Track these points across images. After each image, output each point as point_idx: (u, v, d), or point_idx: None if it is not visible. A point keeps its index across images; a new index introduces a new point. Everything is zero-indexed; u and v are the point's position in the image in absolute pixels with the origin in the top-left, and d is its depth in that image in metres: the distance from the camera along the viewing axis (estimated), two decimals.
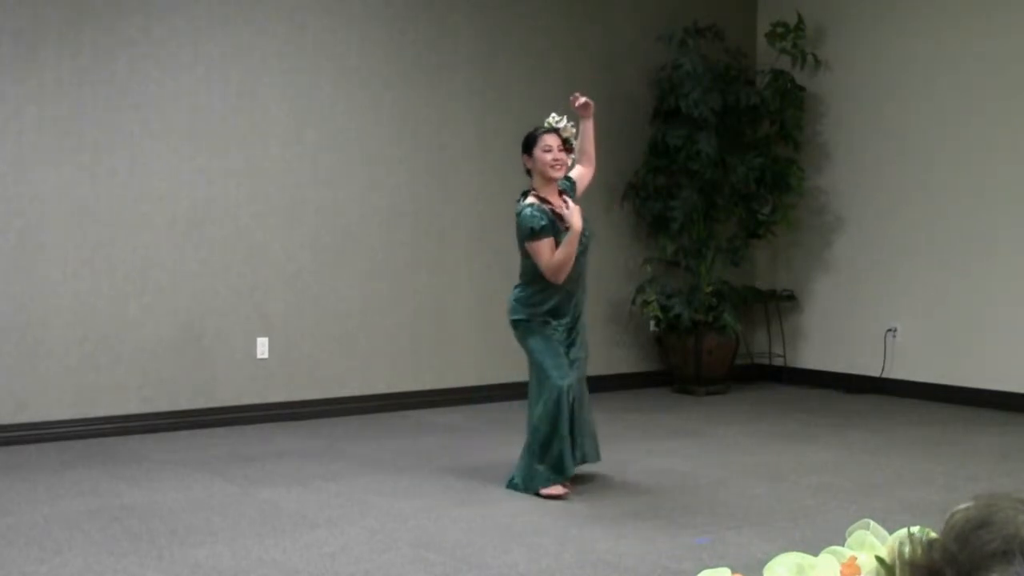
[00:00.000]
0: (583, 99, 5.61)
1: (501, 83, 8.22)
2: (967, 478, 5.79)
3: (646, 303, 8.49)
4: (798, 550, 2.82)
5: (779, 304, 9.18)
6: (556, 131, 5.55)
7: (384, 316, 7.84)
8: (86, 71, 6.80)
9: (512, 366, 8.12)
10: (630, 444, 6.69)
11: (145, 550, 4.54)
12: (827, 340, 8.95)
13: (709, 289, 8.62)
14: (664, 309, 8.49)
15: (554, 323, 5.49)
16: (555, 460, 5.44)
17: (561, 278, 5.39)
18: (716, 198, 8.70)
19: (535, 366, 5.52)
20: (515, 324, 5.56)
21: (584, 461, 5.65)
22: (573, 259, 5.38)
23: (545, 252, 5.37)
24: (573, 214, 5.31)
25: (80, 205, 6.81)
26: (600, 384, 8.67)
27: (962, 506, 1.31)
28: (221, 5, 7.21)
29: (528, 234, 5.40)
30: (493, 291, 8.14)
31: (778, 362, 9.22)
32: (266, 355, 7.40)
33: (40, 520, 4.99)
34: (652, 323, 8.83)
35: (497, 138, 8.20)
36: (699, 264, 8.75)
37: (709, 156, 8.42)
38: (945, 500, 5.17)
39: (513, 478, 5.58)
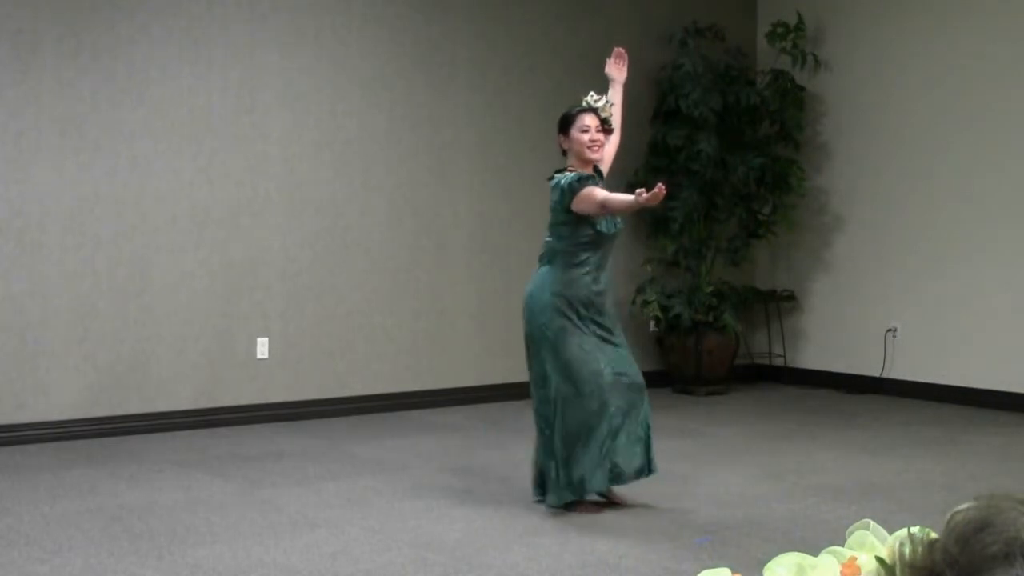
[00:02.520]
0: (619, 49, 5.45)
1: (501, 82, 8.22)
2: (967, 478, 5.79)
3: (646, 303, 8.49)
4: (798, 550, 2.82)
5: (779, 304, 9.18)
6: (594, 111, 5.28)
7: (384, 316, 7.84)
8: (86, 71, 6.80)
9: (512, 366, 8.13)
10: None
11: (145, 550, 4.54)
12: (827, 340, 8.95)
13: (709, 289, 8.63)
14: (664, 309, 8.49)
15: (585, 316, 5.15)
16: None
17: (608, 212, 5.06)
18: (716, 198, 8.70)
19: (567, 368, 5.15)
20: (535, 318, 5.17)
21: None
22: (618, 212, 5.10)
23: (596, 192, 5.03)
24: (655, 197, 4.81)
25: (80, 205, 6.81)
26: None
27: (963, 507, 1.31)
28: (221, 5, 7.21)
29: (572, 187, 5.06)
30: (493, 291, 8.15)
31: (778, 362, 9.22)
32: (266, 355, 7.40)
33: (40, 520, 4.99)
34: (652, 323, 8.83)
35: (497, 138, 8.21)
36: (699, 264, 8.76)
37: (709, 156, 8.42)
38: (945, 500, 5.17)
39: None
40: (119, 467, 6.04)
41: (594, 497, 5.27)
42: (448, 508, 5.22)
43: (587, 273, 5.17)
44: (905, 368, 8.39)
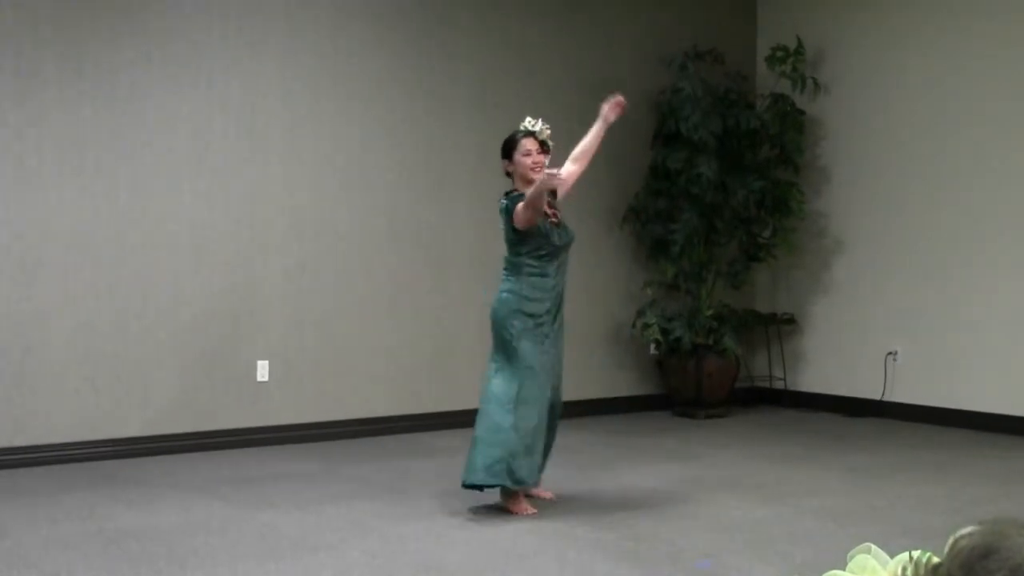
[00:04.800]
0: (621, 99, 5.88)
1: (501, 105, 8.24)
2: (968, 501, 5.77)
3: (647, 326, 8.49)
4: (799, 573, 2.81)
5: (779, 327, 9.18)
6: (532, 134, 5.74)
7: (384, 339, 7.83)
8: (87, 93, 6.82)
9: None
10: (630, 467, 6.69)
11: (144, 573, 4.52)
12: (827, 363, 8.95)
13: (709, 312, 8.63)
14: (664, 332, 8.49)
15: (542, 327, 5.62)
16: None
17: (531, 215, 5.47)
18: (716, 221, 8.72)
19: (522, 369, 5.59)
20: (503, 320, 5.64)
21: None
22: (540, 203, 5.46)
23: (521, 202, 5.53)
24: (557, 179, 5.40)
25: (81, 227, 6.82)
26: (600, 407, 8.68)
27: (967, 531, 1.31)
28: (221, 26, 7.23)
29: (509, 209, 5.56)
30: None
31: (779, 385, 9.21)
32: (266, 378, 7.40)
33: (39, 543, 4.98)
34: (652, 346, 8.83)
35: (497, 160, 8.17)
36: (699, 287, 8.76)
37: (709, 179, 8.44)
38: (946, 524, 5.15)
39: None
40: (118, 490, 6.03)
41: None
42: (448, 531, 5.21)
43: (544, 284, 5.64)
44: (906, 391, 8.38)
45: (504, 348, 5.64)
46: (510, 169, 5.78)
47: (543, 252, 5.61)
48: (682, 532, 5.18)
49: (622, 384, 8.87)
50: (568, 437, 7.72)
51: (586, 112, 8.63)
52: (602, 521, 5.39)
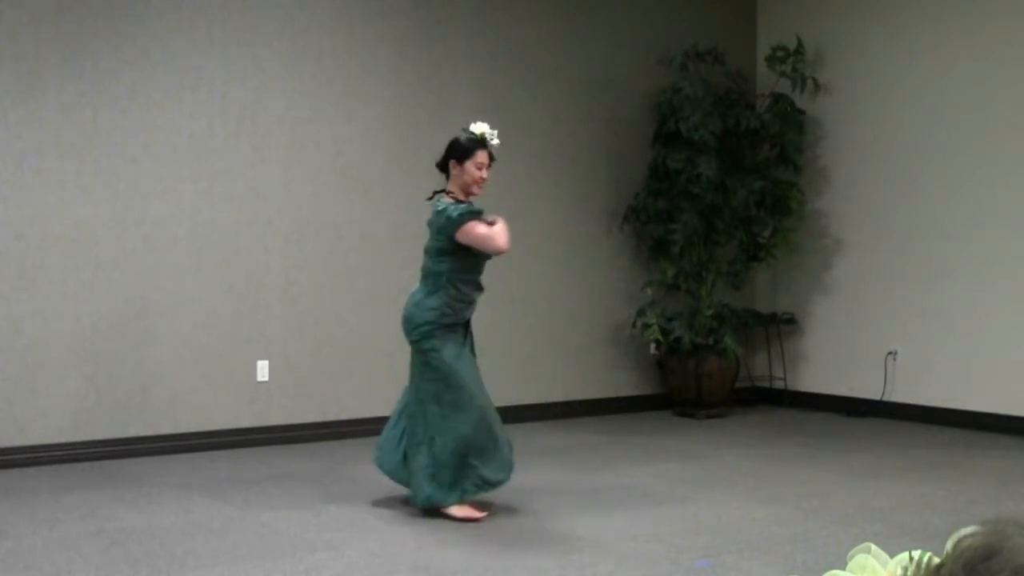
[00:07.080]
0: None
1: (501, 107, 8.24)
2: (968, 502, 5.78)
3: (647, 326, 8.49)
4: (799, 574, 2.81)
5: (780, 327, 9.18)
6: (485, 146, 5.47)
7: (383, 339, 7.83)
8: (87, 94, 6.82)
9: (510, 389, 8.13)
10: (630, 467, 6.68)
11: (144, 574, 4.52)
12: (828, 363, 8.95)
13: (710, 312, 8.63)
14: (665, 332, 8.49)
15: (460, 329, 5.53)
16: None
17: (503, 243, 5.33)
18: (716, 221, 8.71)
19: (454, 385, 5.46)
20: (422, 330, 5.41)
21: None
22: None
23: (482, 227, 5.31)
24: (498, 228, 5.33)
25: (81, 227, 6.82)
26: (600, 407, 8.68)
27: (969, 531, 1.30)
28: (222, 28, 7.23)
29: (463, 218, 5.29)
30: (492, 314, 8.13)
31: (779, 385, 9.21)
32: (266, 378, 7.40)
33: (39, 544, 4.97)
34: (653, 346, 8.83)
35: (498, 162, 8.19)
36: (699, 287, 8.76)
37: (709, 179, 8.43)
38: (946, 524, 5.16)
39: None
40: (119, 490, 6.03)
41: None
42: (448, 532, 5.21)
43: (468, 293, 5.54)
44: (905, 391, 8.38)
45: (427, 358, 5.49)
46: (455, 171, 5.47)
47: (479, 261, 5.48)
48: (682, 532, 5.18)
49: (622, 384, 8.87)
50: (568, 437, 7.73)
51: (586, 113, 8.67)
52: (602, 521, 5.39)
